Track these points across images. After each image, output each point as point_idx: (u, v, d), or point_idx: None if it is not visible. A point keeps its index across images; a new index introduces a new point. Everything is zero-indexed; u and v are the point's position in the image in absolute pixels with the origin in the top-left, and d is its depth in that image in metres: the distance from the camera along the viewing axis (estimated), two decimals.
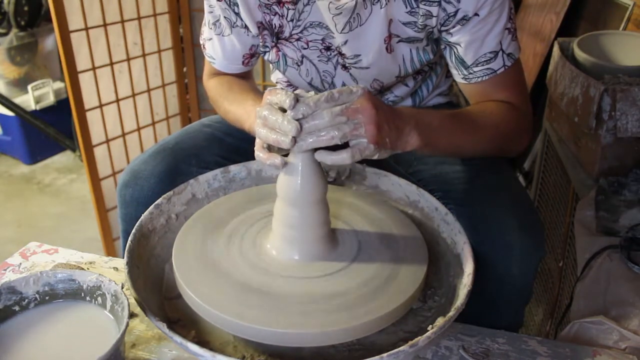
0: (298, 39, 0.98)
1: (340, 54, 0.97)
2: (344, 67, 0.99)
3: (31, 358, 0.70)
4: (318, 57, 1.00)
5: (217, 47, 1.06)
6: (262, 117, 0.72)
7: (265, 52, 1.04)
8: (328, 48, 0.98)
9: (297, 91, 0.72)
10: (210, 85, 1.10)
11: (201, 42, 1.10)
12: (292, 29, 0.96)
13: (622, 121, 1.17)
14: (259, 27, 0.99)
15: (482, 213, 0.87)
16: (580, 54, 1.34)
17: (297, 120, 0.69)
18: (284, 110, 0.71)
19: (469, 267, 0.77)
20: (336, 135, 0.70)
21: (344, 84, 1.02)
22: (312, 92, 0.73)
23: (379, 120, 0.71)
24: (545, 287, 1.58)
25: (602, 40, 1.41)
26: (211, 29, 1.05)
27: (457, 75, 0.95)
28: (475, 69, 0.92)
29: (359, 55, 0.96)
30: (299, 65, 1.02)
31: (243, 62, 1.07)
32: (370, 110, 0.71)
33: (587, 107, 1.22)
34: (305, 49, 0.99)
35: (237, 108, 0.99)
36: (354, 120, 0.70)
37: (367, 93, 0.72)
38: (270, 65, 1.20)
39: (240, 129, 1.10)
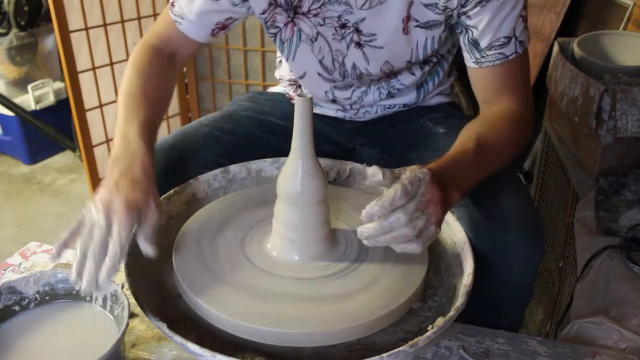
0: (316, 15, 0.97)
1: (357, 30, 0.96)
2: (358, 44, 0.98)
3: (31, 358, 0.70)
4: (332, 34, 0.98)
5: (195, 6, 0.97)
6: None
7: (275, 34, 1.02)
8: (344, 25, 0.97)
9: (300, 92, 0.72)
10: (138, 54, 0.97)
11: (172, 4, 1.00)
12: (312, 4, 0.95)
13: (622, 121, 1.17)
14: (270, 4, 0.97)
15: (483, 213, 0.87)
16: (580, 54, 1.34)
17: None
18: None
19: (469, 267, 0.77)
20: (412, 234, 0.69)
21: (354, 65, 1.01)
22: (309, 94, 0.73)
23: (445, 206, 0.72)
24: (545, 287, 1.58)
25: (602, 40, 1.41)
26: None
27: (469, 59, 0.95)
28: (489, 52, 0.92)
29: (375, 34, 0.96)
30: (312, 42, 1.00)
31: (212, 31, 1.01)
32: (438, 198, 0.70)
33: (587, 107, 1.22)
34: (321, 25, 0.97)
35: (121, 124, 0.88)
36: (426, 211, 0.70)
37: (431, 175, 0.71)
38: (276, 59, 1.19)
39: (238, 128, 1.09)
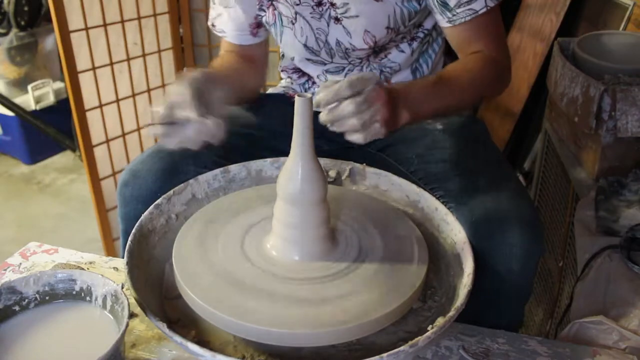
0: None
1: (332, 4, 1.02)
2: (337, 19, 1.03)
3: (31, 358, 0.70)
4: (311, 14, 1.04)
5: (225, 19, 1.11)
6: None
7: (262, 17, 1.09)
8: (319, 3, 1.02)
9: (300, 92, 0.73)
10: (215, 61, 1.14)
11: (210, 23, 1.15)
12: None
13: (622, 121, 1.17)
14: None
15: (483, 211, 0.87)
16: (580, 54, 1.34)
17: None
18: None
19: (469, 267, 0.77)
20: (357, 124, 0.75)
21: (337, 41, 1.05)
22: (309, 95, 0.73)
23: (391, 106, 0.78)
24: (545, 287, 1.58)
25: (602, 40, 1.41)
26: (219, 4, 1.11)
27: (443, 21, 1.00)
28: (458, 10, 0.97)
29: (347, 3, 1.00)
30: (293, 24, 1.06)
31: (251, 32, 1.12)
32: (385, 99, 0.77)
33: (587, 107, 1.22)
34: (297, 4, 1.03)
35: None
36: (373, 107, 0.76)
37: (378, 79, 0.78)
38: (280, 52, 1.22)
39: (238, 129, 1.10)
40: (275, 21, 1.08)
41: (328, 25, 1.04)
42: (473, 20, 0.98)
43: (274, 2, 1.06)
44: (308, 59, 1.12)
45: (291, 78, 1.22)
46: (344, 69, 1.11)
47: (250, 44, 1.14)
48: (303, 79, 1.19)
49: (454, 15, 0.98)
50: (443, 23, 1.01)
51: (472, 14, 0.97)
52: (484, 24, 0.99)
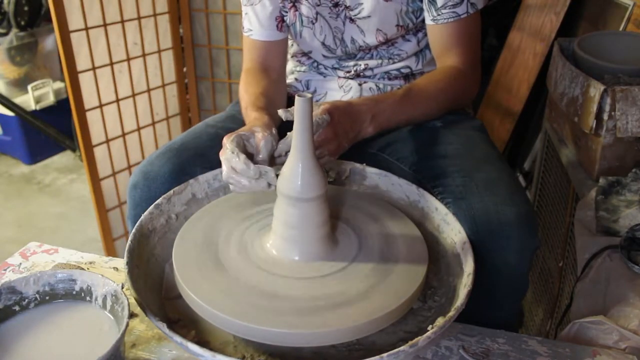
0: None
1: (346, 7, 1.09)
2: (351, 20, 1.10)
3: (31, 358, 0.70)
4: (329, 13, 1.11)
5: (252, 16, 1.14)
6: (226, 177, 0.81)
7: (285, 15, 1.14)
8: (336, 4, 1.10)
9: (301, 92, 0.73)
10: (241, 79, 1.16)
11: (243, 30, 1.18)
12: None
13: (622, 121, 1.17)
14: None
15: (481, 205, 0.88)
16: (580, 54, 1.34)
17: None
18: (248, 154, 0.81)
19: (469, 267, 0.77)
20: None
21: (352, 39, 1.12)
22: (309, 94, 0.73)
23: (338, 144, 0.87)
24: (545, 287, 1.58)
25: (602, 40, 1.41)
26: (245, 5, 1.14)
27: (428, 17, 1.07)
28: (443, 11, 1.05)
29: (362, 3, 1.07)
30: (313, 24, 1.12)
31: (277, 27, 1.14)
32: (332, 142, 0.86)
33: (587, 107, 1.22)
34: (318, 5, 1.10)
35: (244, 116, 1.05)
36: (320, 149, 0.84)
37: (331, 122, 0.85)
38: (289, 41, 1.24)
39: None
40: (295, 21, 1.13)
41: (344, 25, 1.11)
42: (454, 23, 1.05)
43: (295, 4, 1.11)
44: (324, 56, 1.17)
45: (300, 62, 1.25)
46: (355, 56, 1.16)
47: (275, 40, 1.15)
48: (311, 60, 1.22)
49: (438, 14, 1.05)
50: (428, 20, 1.08)
51: (455, 17, 1.04)
52: (463, 30, 1.06)
